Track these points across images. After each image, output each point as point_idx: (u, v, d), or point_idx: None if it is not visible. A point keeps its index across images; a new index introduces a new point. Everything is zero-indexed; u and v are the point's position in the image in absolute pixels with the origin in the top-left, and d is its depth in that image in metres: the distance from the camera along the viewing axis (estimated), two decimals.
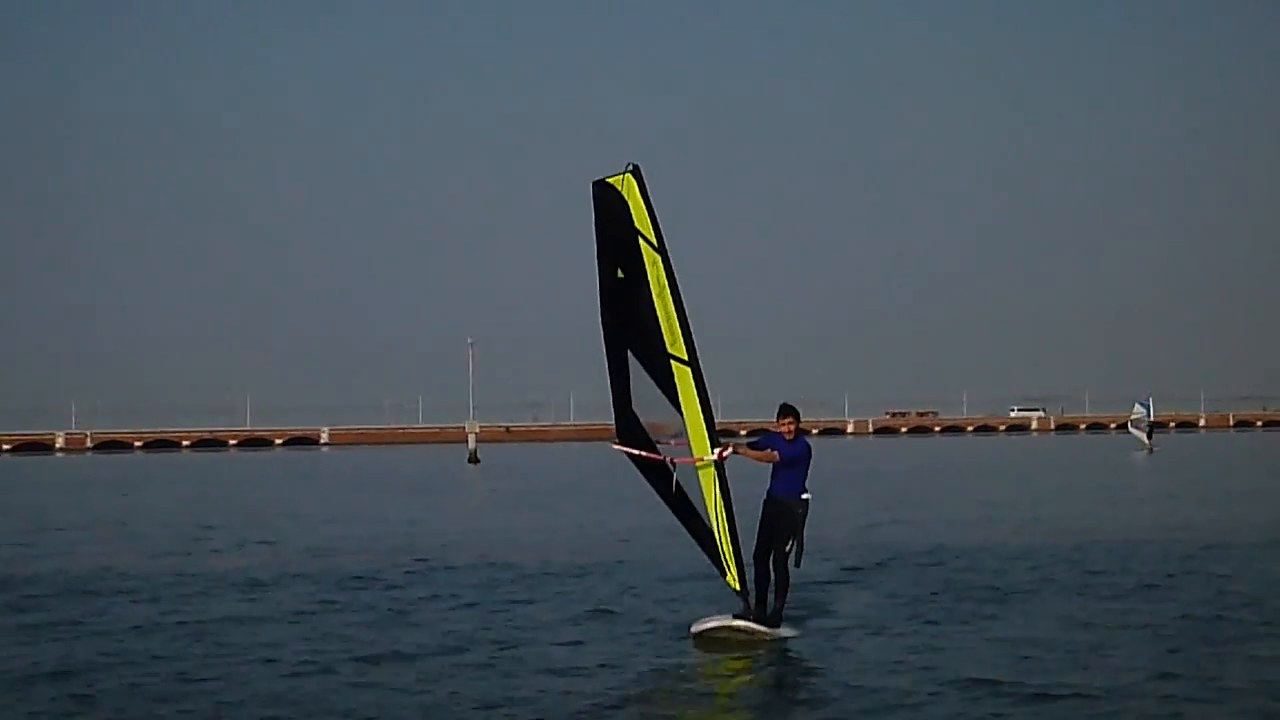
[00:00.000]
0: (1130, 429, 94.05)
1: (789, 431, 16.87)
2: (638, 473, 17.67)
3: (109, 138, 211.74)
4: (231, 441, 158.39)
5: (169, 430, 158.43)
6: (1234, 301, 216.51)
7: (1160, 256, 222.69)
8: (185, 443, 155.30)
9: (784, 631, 16.99)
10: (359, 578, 24.05)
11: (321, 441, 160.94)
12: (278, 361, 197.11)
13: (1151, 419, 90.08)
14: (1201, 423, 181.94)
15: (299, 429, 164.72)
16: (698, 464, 16.70)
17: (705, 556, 17.34)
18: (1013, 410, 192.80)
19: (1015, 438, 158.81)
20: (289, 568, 25.85)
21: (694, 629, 17.29)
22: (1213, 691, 13.86)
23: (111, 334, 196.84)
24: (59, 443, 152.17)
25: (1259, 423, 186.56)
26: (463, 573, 24.38)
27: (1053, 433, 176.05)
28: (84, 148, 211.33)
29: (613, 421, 17.69)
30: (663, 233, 16.48)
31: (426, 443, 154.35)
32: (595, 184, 16.87)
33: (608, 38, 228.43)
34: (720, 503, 16.70)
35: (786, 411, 16.89)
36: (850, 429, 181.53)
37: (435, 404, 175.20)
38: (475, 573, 24.33)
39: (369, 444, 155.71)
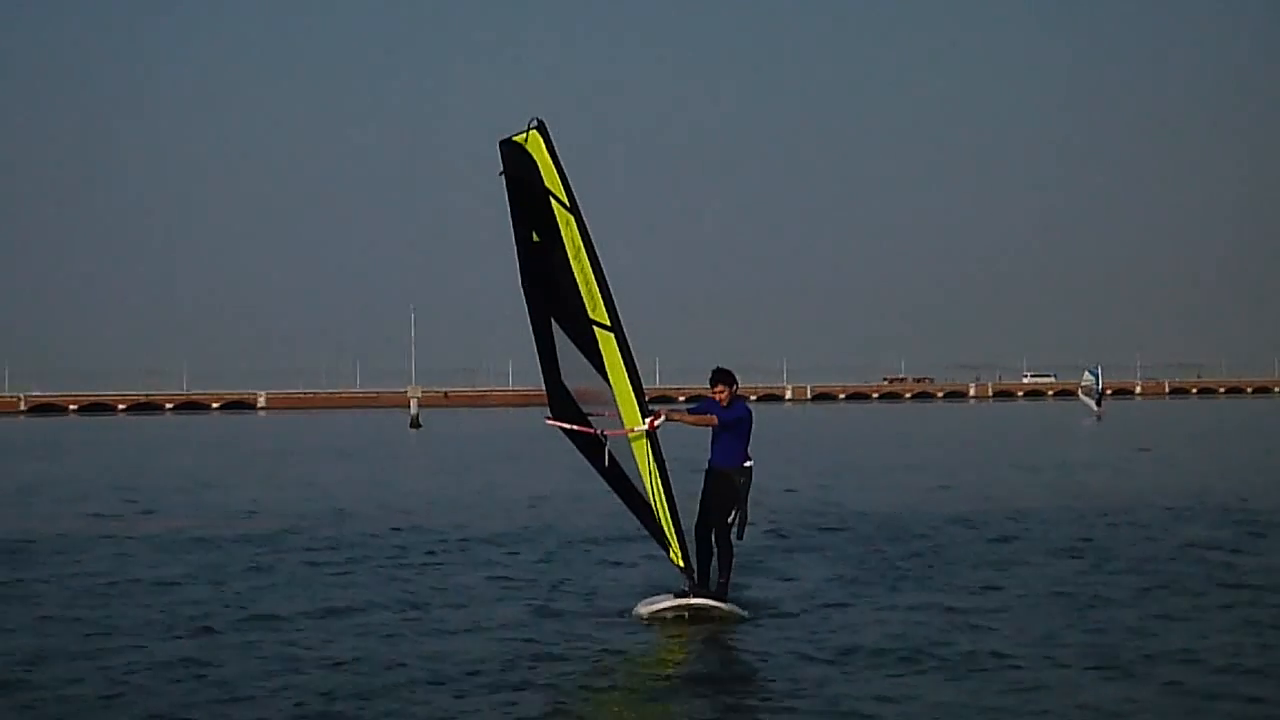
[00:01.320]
0: (1080, 396, 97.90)
1: (723, 398, 16.14)
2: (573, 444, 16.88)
3: (38, 102, 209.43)
4: (168, 405, 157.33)
5: (104, 394, 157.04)
6: (1167, 270, 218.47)
7: (1096, 226, 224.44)
8: (121, 406, 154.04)
9: (730, 607, 16.13)
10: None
11: (259, 406, 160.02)
12: (215, 326, 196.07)
13: (1101, 387, 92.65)
14: (1138, 390, 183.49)
15: (236, 393, 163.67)
16: (630, 435, 15.79)
17: (646, 531, 16.47)
18: (1026, 376, 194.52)
19: (954, 405, 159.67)
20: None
21: (638, 610, 16.33)
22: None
23: (46, 298, 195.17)
24: None
25: (1194, 389, 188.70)
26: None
27: (990, 400, 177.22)
28: (12, 110, 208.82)
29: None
30: (573, 191, 15.49)
31: (364, 407, 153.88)
32: (501, 144, 15.80)
33: None
34: (656, 475, 15.72)
35: (719, 378, 16.18)
36: (788, 395, 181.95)
37: (372, 368, 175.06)
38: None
39: (306, 408, 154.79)
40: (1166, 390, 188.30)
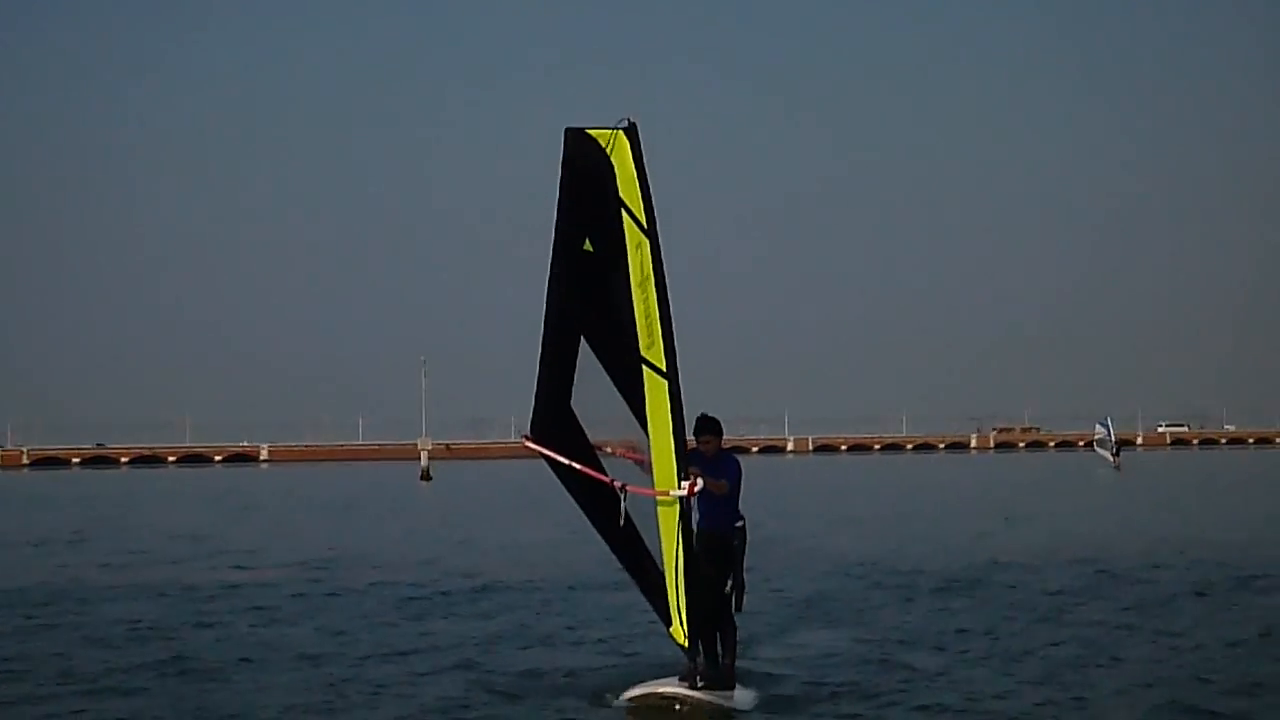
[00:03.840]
0: (1095, 448, 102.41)
1: (709, 450, 14.16)
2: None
3: (42, 150, 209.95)
4: (170, 458, 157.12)
5: (107, 447, 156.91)
6: (1167, 321, 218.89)
7: (1099, 278, 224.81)
8: (124, 459, 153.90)
9: (740, 695, 14.27)
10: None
11: (261, 458, 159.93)
12: (217, 378, 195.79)
13: (1114, 438, 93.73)
14: (1139, 441, 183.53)
15: (239, 446, 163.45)
16: (659, 498, 13.82)
17: (646, 601, 14.56)
18: (1160, 426, 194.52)
19: (956, 456, 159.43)
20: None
21: (624, 696, 14.33)
22: None
23: (47, 349, 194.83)
24: None
25: (1194, 441, 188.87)
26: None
27: (992, 451, 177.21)
28: (16, 160, 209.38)
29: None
30: (655, 212, 13.74)
31: (368, 460, 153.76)
32: (571, 132, 14.03)
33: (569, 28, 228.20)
34: (681, 546, 13.72)
35: (705, 426, 14.15)
36: (790, 447, 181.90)
37: (373, 421, 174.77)
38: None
39: (309, 460, 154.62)
40: (1168, 441, 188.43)
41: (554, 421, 14.54)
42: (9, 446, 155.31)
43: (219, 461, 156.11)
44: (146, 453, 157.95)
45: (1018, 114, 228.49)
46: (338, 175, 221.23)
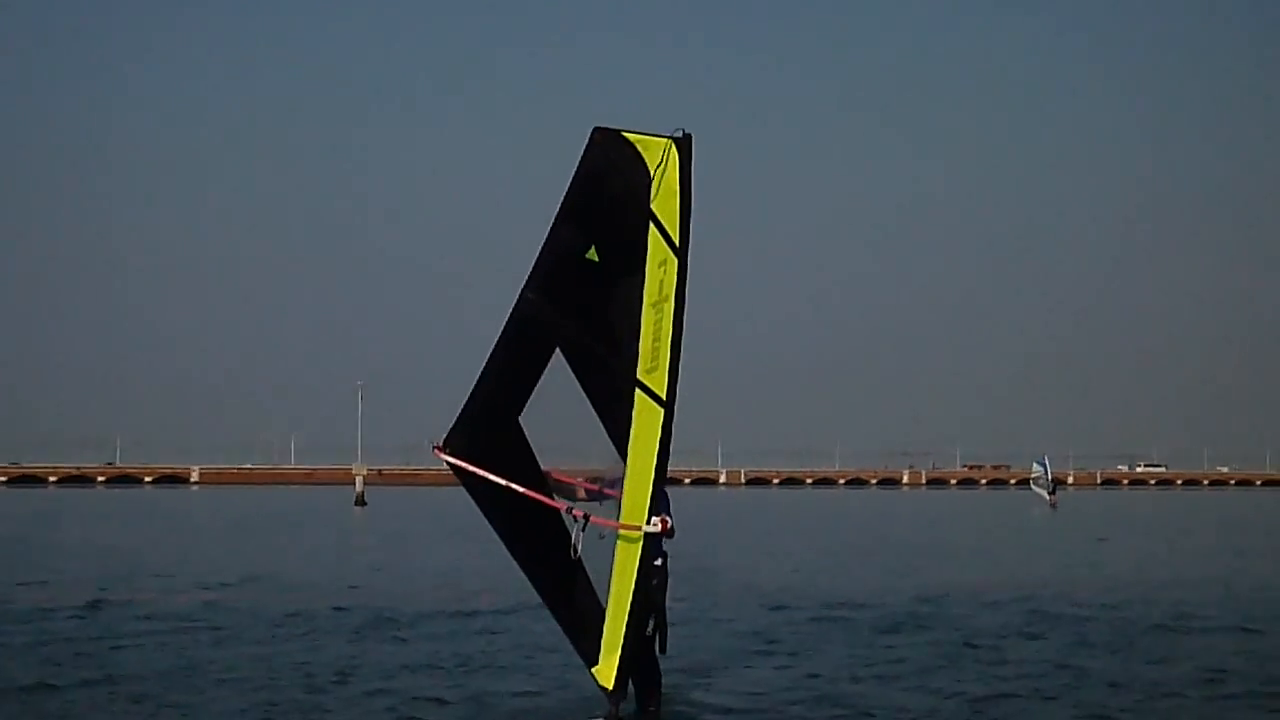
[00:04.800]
0: (1032, 486, 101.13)
1: None
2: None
3: None
4: (100, 479, 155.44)
5: (35, 466, 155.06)
6: (1097, 362, 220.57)
7: (1030, 320, 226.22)
8: (51, 479, 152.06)
9: None
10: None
11: (191, 480, 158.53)
12: (149, 399, 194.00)
13: (1050, 476, 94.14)
14: (1070, 480, 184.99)
15: (169, 467, 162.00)
16: (623, 532, 12.68)
17: (563, 633, 13.56)
18: (1138, 466, 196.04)
19: (887, 492, 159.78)
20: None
21: None
22: None
23: None
24: None
25: (1125, 481, 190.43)
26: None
27: (924, 488, 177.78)
28: None
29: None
30: (690, 231, 12.48)
31: (299, 483, 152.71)
32: (603, 132, 12.65)
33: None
34: (632, 584, 12.67)
35: None
36: (722, 479, 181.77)
37: (306, 445, 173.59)
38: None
39: (240, 483, 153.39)
40: (1099, 480, 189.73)
41: (491, 436, 13.12)
42: None
43: (149, 483, 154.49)
44: (75, 473, 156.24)
45: (986, 148, 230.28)
46: (277, 197, 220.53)
